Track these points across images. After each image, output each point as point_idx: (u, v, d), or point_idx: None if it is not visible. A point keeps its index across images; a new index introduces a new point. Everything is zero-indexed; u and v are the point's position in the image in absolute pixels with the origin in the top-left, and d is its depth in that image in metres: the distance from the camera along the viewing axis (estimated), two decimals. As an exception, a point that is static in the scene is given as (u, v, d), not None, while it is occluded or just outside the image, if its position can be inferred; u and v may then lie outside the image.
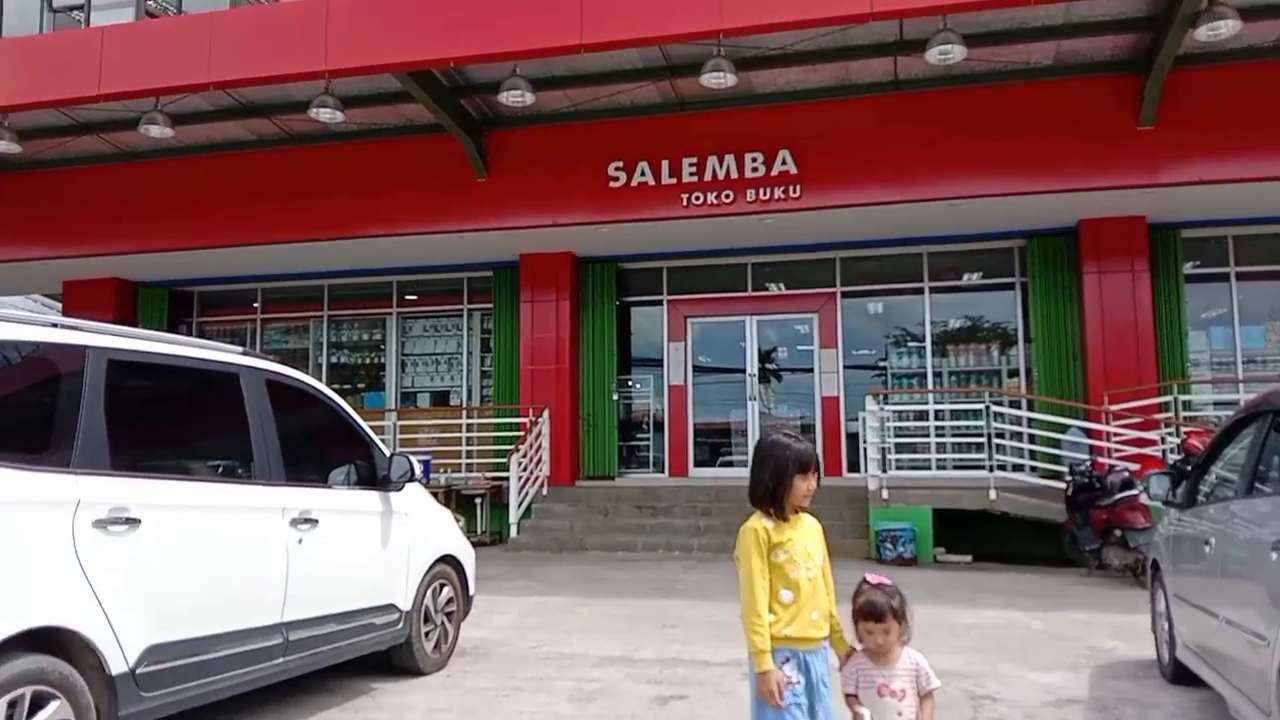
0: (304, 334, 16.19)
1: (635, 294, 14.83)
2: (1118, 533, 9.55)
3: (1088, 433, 11.78)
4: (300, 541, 4.85)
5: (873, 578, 3.13)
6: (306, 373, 5.78)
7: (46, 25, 14.40)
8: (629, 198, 12.36)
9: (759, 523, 3.09)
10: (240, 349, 5.06)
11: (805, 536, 3.12)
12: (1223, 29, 9.36)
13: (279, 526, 4.77)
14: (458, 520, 7.11)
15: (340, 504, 5.36)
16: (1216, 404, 12.55)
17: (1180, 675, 5.27)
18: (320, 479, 5.41)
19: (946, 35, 9.78)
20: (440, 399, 15.63)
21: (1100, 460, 11.13)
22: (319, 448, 5.71)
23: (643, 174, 12.29)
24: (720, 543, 11.55)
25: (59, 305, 16.62)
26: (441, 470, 13.52)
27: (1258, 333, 12.90)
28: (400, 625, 5.67)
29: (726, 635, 6.88)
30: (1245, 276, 12.79)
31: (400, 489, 5.81)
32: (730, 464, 14.29)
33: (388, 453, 5.81)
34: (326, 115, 11.21)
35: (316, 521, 4.97)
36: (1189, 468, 6.78)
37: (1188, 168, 11.04)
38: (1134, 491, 9.52)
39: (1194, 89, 10.83)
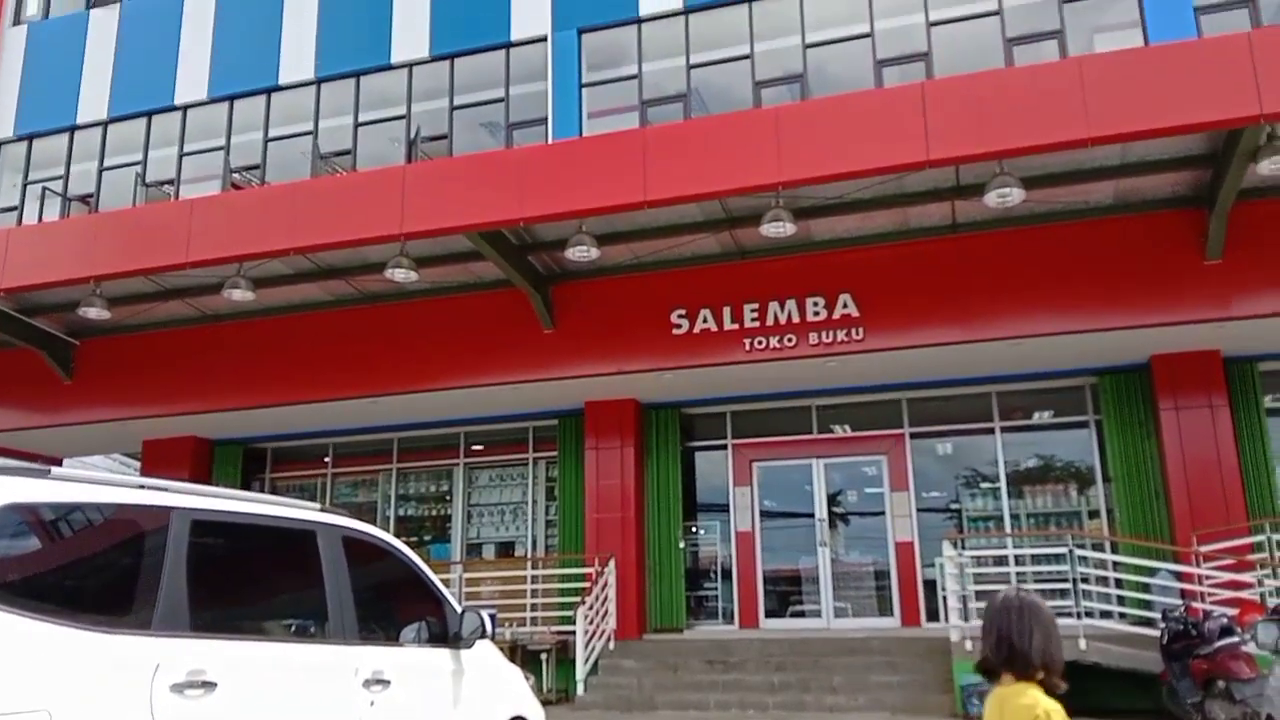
0: (373, 487, 16.37)
1: (699, 439, 14.79)
2: (1221, 684, 8.96)
3: (1178, 575, 11.25)
4: (373, 704, 4.76)
5: None
6: (375, 525, 5.80)
7: (139, 199, 15.33)
8: (692, 344, 12.49)
9: (1052, 702, 2.62)
10: (318, 506, 5.12)
11: None
12: (1285, 162, 9.36)
13: (352, 688, 4.70)
14: (527, 678, 6.95)
15: (412, 663, 5.28)
16: (1314, 543, 11.96)
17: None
18: (392, 637, 5.35)
19: (1004, 179, 9.92)
20: (505, 549, 15.53)
21: (1194, 605, 10.58)
22: (392, 604, 5.68)
23: (705, 320, 12.45)
24: (797, 700, 11.09)
25: (137, 464, 17.09)
26: (506, 624, 13.30)
27: (1349, 467, 12.38)
28: (471, 792, 5.48)
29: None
30: (1330, 409, 12.39)
31: (471, 646, 5.71)
32: (802, 614, 13.86)
33: (459, 608, 5.75)
34: (401, 275, 11.64)
35: (389, 682, 4.89)
36: (1295, 613, 6.43)
37: (1259, 300, 10.86)
38: (1235, 639, 8.99)
39: (1261, 221, 10.76)
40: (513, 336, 13.09)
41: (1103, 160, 10.48)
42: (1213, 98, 9.12)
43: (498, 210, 10.79)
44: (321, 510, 5.07)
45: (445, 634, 5.59)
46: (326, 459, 16.54)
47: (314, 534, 4.86)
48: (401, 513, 16.08)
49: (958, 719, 10.25)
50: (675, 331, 12.54)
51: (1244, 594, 10.65)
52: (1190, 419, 12.02)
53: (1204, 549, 11.09)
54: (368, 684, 4.77)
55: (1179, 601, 10.66)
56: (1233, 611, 9.94)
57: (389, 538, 5.68)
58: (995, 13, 12.78)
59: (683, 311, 12.54)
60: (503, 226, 11.30)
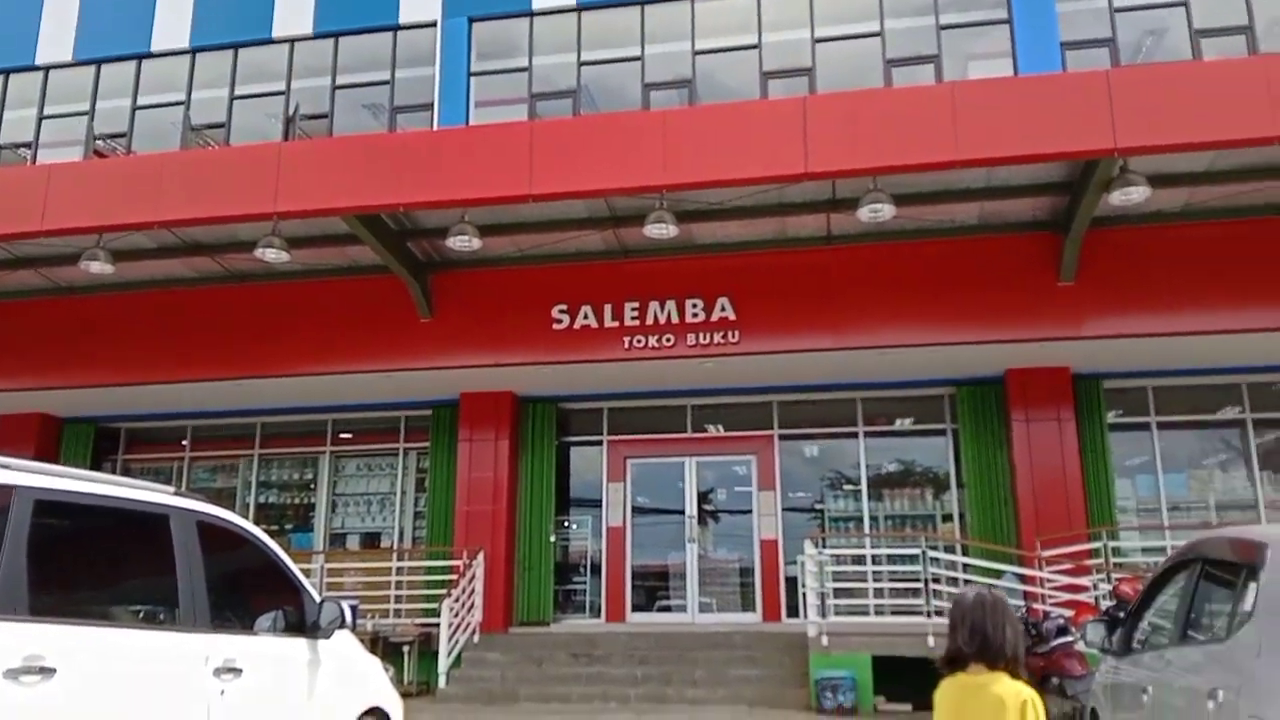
0: (233, 473, 15.79)
1: (575, 434, 14.81)
2: (1055, 680, 9.51)
3: (1022, 578, 11.87)
4: (223, 693, 4.65)
5: None
6: (233, 512, 5.65)
7: (-9, 161, 14.44)
8: (571, 340, 12.51)
9: (1030, 689, 2.87)
10: (172, 489, 4.95)
11: None
12: (1134, 194, 9.93)
13: (201, 676, 4.57)
14: (387, 670, 6.86)
15: (265, 652, 5.16)
16: (1145, 550, 12.80)
17: (1124, 831, 5.20)
18: (247, 625, 5.22)
19: (876, 195, 10.27)
20: (371, 540, 15.23)
21: (1035, 606, 11.19)
22: (247, 592, 5.54)
23: (585, 317, 12.48)
24: (659, 692, 11.25)
25: (-24, 440, 16.08)
26: (369, 616, 13.05)
27: (1180, 480, 13.30)
28: (324, 783, 5.39)
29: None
30: (1165, 426, 13.26)
31: (329, 636, 5.63)
32: (668, 609, 14.06)
33: (318, 598, 5.65)
34: (272, 255, 11.26)
35: (240, 671, 4.78)
36: (1121, 614, 6.87)
37: (1106, 322, 11.55)
38: (1069, 639, 9.54)
39: (1110, 249, 11.43)
40: (388, 323, 12.84)
41: (970, 182, 10.95)
42: (1072, 130, 9.64)
43: (377, 194, 10.57)
44: (176, 494, 4.91)
45: (303, 623, 5.50)
46: (184, 442, 15.89)
47: (167, 518, 4.70)
48: (263, 500, 15.59)
49: (811, 711, 10.58)
50: (556, 326, 12.54)
51: (1080, 596, 11.33)
52: (1039, 431, 12.70)
53: (1046, 554, 11.74)
54: (219, 672, 4.65)
55: (1022, 602, 11.28)
56: (1069, 613, 10.57)
57: (246, 524, 5.54)
58: (877, 34, 13.25)
59: (564, 307, 12.54)
60: (381, 211, 11.09)
